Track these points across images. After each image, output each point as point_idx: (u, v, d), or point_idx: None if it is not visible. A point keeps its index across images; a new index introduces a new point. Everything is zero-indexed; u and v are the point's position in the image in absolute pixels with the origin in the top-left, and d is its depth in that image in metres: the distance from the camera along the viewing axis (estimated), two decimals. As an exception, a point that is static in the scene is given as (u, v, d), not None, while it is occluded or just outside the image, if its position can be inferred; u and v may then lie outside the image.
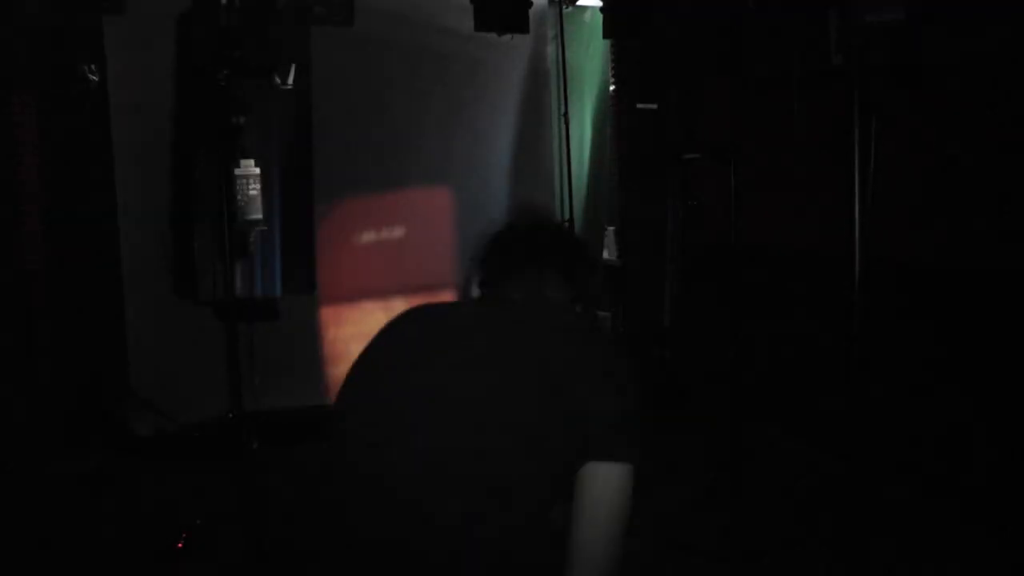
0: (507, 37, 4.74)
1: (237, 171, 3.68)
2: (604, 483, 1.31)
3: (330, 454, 1.57)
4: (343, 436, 1.56)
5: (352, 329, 5.00)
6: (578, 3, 5.15)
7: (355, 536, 1.49)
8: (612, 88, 5.40)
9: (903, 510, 3.40)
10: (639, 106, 5.24)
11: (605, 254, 5.52)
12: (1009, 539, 3.02)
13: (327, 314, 4.94)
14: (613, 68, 5.39)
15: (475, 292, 1.66)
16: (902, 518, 3.33)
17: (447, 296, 5.07)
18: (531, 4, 4.65)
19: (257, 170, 3.77)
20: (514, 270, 1.59)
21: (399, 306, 5.27)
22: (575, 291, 1.60)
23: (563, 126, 5.06)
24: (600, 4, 4.89)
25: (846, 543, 2.52)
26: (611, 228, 5.49)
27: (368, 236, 5.02)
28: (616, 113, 5.40)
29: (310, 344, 4.88)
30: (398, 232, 5.09)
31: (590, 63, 5.51)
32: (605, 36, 4.93)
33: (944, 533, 3.19)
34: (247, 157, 3.75)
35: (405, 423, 1.43)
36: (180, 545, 3.20)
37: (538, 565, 1.33)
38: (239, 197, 3.70)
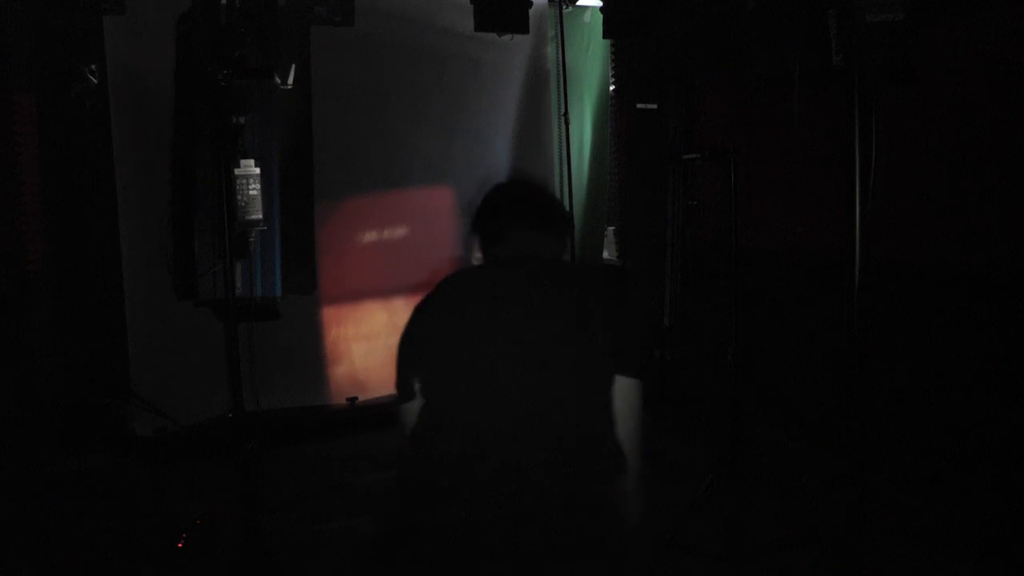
0: (507, 37, 4.74)
1: (237, 171, 3.68)
2: (629, 392, 1.80)
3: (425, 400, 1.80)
4: (430, 387, 1.80)
5: (353, 329, 5.00)
6: (578, 3, 5.15)
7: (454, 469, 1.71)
8: (612, 88, 5.40)
9: (903, 510, 3.40)
10: (639, 106, 5.24)
11: (605, 254, 5.53)
12: (1009, 539, 3.02)
13: (329, 314, 4.94)
14: (613, 68, 5.39)
15: (477, 256, 1.92)
16: (902, 518, 3.33)
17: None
18: (531, 4, 4.65)
19: (257, 170, 3.77)
20: (506, 235, 1.86)
21: (401, 305, 5.27)
22: (562, 244, 1.91)
23: (563, 126, 5.06)
24: (600, 4, 4.89)
25: (846, 543, 2.52)
26: (611, 228, 5.50)
27: (369, 236, 5.02)
28: (616, 113, 5.40)
29: (310, 344, 4.88)
30: (399, 232, 5.09)
31: (590, 63, 5.51)
32: (605, 36, 4.93)
33: (944, 533, 3.20)
34: (247, 157, 3.75)
35: (479, 368, 1.71)
36: (180, 545, 3.21)
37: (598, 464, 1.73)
38: (239, 197, 3.70)
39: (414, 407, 1.85)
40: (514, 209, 1.90)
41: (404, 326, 1.87)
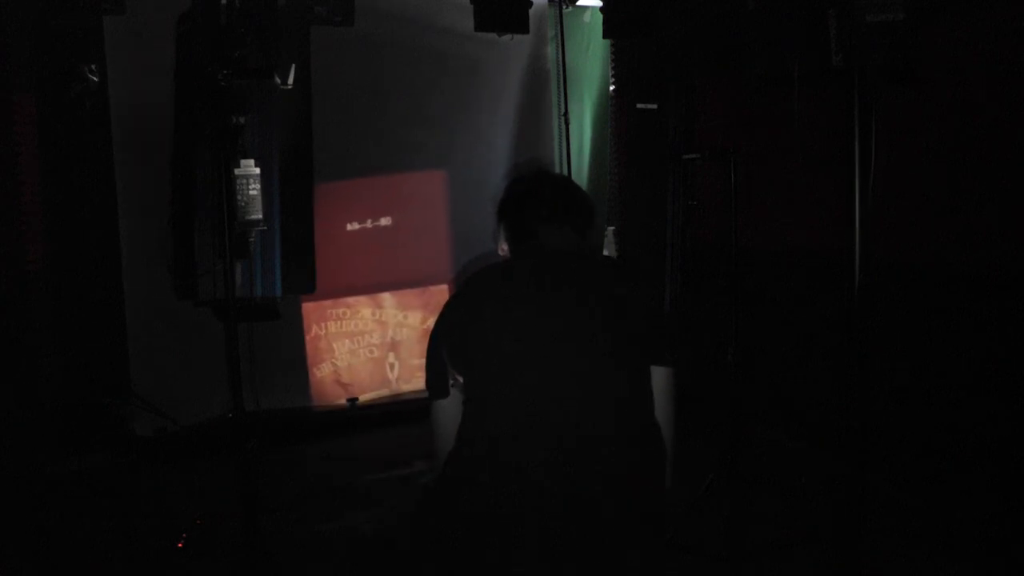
0: (507, 37, 4.74)
1: (237, 171, 3.68)
2: (665, 378, 1.85)
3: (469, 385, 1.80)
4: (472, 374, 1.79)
5: (335, 326, 5.00)
6: (578, 3, 5.15)
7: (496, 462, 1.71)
8: (612, 88, 5.40)
9: (903, 510, 3.40)
10: (639, 106, 5.24)
11: (605, 254, 5.52)
12: (1009, 539, 3.02)
13: (315, 310, 4.93)
14: (613, 68, 5.39)
15: (503, 248, 1.95)
16: (902, 518, 3.33)
17: (436, 288, 5.09)
18: (531, 4, 4.65)
19: (257, 170, 3.77)
20: (535, 232, 1.88)
21: (409, 301, 5.26)
22: (586, 239, 1.94)
23: (563, 126, 5.06)
24: (600, 4, 4.89)
25: (846, 543, 2.52)
26: (611, 228, 5.49)
27: (368, 235, 5.01)
28: (616, 113, 5.40)
29: (299, 339, 4.88)
30: (398, 230, 5.08)
31: (590, 63, 5.51)
32: (605, 36, 4.93)
33: (944, 533, 3.20)
34: (247, 157, 3.75)
35: (524, 359, 1.72)
36: (180, 545, 3.21)
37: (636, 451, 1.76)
38: (239, 197, 3.70)
39: (446, 404, 1.85)
40: (541, 205, 1.90)
41: (435, 323, 1.88)
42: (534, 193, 1.94)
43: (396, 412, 4.83)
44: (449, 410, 1.84)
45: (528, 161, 5.18)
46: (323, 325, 4.93)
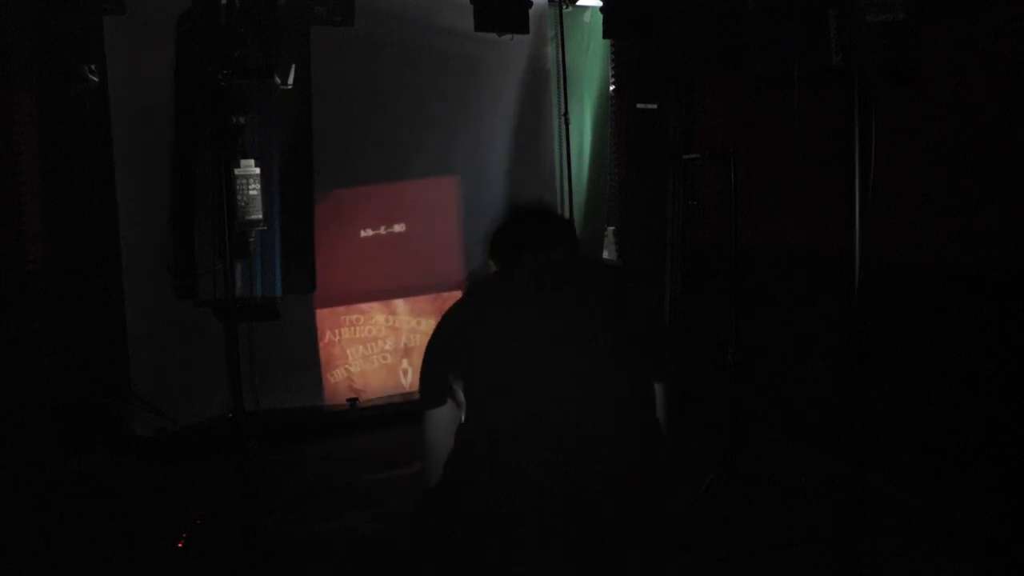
0: (507, 37, 4.74)
1: (237, 171, 3.67)
2: (661, 394, 1.86)
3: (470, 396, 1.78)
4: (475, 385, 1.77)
5: (349, 332, 4.99)
6: (578, 3, 5.15)
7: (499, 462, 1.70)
8: (612, 88, 5.40)
9: (903, 510, 3.40)
10: (639, 106, 5.24)
11: (605, 254, 5.53)
12: (1009, 539, 3.02)
13: (329, 316, 4.93)
14: (613, 68, 5.39)
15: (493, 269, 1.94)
16: (902, 518, 3.33)
17: (449, 295, 5.09)
18: (531, 4, 4.65)
19: (257, 170, 3.77)
20: (527, 245, 1.90)
21: (423, 307, 5.23)
22: (575, 250, 1.94)
23: (563, 126, 5.06)
24: (600, 4, 4.89)
25: (846, 543, 2.52)
26: (611, 228, 5.49)
27: (368, 237, 5.01)
28: (616, 113, 5.40)
29: (311, 344, 4.88)
30: (399, 233, 5.08)
31: (590, 63, 5.51)
32: (605, 36, 4.93)
33: (944, 533, 3.20)
34: (247, 157, 3.75)
35: (518, 357, 1.73)
36: (180, 545, 3.21)
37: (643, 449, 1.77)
38: (239, 197, 3.70)
39: (440, 414, 1.81)
40: (526, 237, 1.92)
41: (433, 332, 1.86)
42: (526, 222, 1.97)
43: (396, 412, 4.83)
44: (443, 420, 1.80)
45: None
46: (337, 331, 4.93)
